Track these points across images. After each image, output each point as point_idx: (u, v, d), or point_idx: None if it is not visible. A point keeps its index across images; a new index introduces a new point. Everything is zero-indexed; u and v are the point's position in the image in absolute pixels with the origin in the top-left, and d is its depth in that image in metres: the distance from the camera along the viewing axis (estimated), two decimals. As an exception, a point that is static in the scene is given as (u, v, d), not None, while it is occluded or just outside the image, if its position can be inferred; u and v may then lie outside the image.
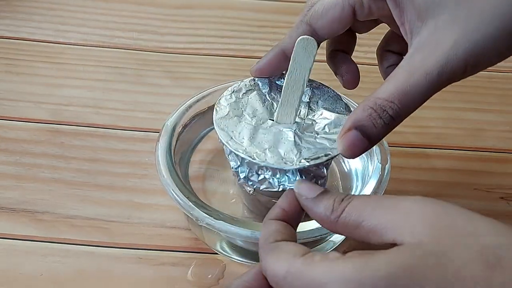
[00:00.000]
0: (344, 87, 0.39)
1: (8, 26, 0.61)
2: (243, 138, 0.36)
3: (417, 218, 0.27)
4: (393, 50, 0.40)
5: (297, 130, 0.36)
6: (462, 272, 0.25)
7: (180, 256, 0.42)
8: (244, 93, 0.39)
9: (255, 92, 0.39)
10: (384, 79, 0.38)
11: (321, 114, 0.37)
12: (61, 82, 0.55)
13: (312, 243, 0.41)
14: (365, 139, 0.32)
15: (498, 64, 0.61)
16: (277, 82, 0.39)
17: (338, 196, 0.30)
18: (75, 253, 0.42)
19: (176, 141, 0.44)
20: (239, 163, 0.36)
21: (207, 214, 0.37)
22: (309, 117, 0.37)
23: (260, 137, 0.36)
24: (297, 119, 0.37)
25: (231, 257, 0.42)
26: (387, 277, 0.25)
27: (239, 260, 0.41)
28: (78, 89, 0.55)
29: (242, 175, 0.37)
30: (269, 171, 0.35)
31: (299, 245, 0.29)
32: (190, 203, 0.38)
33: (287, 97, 0.36)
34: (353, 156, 0.32)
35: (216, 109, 0.38)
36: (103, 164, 0.48)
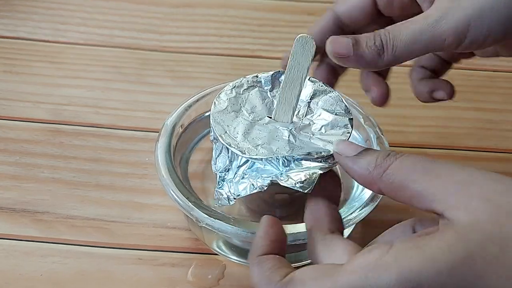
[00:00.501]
0: (373, 103, 0.39)
1: (7, 26, 0.61)
2: (237, 133, 0.36)
3: (474, 191, 0.25)
4: (425, 66, 0.40)
5: (293, 129, 0.36)
6: None
7: (180, 256, 0.42)
8: (245, 89, 0.38)
9: (256, 89, 0.38)
10: (414, 93, 0.40)
11: (319, 115, 0.37)
12: (60, 81, 0.55)
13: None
14: (352, 49, 0.33)
15: (500, 63, 0.61)
16: (280, 79, 0.39)
17: (382, 152, 0.29)
18: (75, 253, 0.42)
19: (176, 141, 0.44)
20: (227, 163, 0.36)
21: (207, 214, 0.37)
22: (308, 117, 0.37)
23: (255, 133, 0.36)
24: (295, 118, 0.37)
25: (230, 258, 0.41)
26: (448, 269, 0.23)
27: (239, 261, 0.41)
28: (78, 88, 0.55)
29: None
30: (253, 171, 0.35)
31: (281, 263, 0.28)
32: (190, 203, 0.38)
33: (285, 95, 0.36)
34: (332, 53, 0.34)
35: (214, 103, 0.38)
36: (103, 164, 0.48)
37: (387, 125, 0.46)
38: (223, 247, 0.42)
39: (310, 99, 0.38)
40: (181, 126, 0.44)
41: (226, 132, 0.36)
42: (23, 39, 0.60)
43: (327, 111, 0.37)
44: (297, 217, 0.41)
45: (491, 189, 0.25)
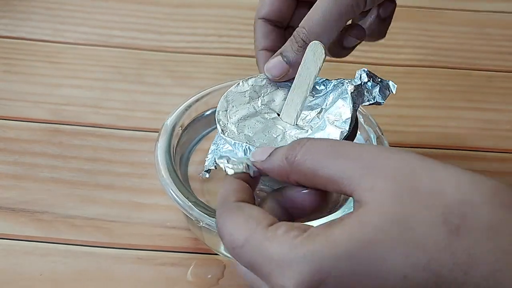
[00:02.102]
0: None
1: (6, 26, 0.61)
2: (235, 116, 0.36)
3: (380, 172, 0.26)
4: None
5: (289, 131, 0.36)
6: (424, 240, 0.24)
7: (180, 256, 0.42)
8: (277, 83, 0.38)
9: (286, 88, 0.38)
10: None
11: (321, 124, 0.36)
12: (60, 81, 0.55)
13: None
14: (284, 62, 0.37)
15: (500, 63, 0.61)
16: (316, 86, 0.38)
17: (289, 145, 0.29)
18: (75, 253, 0.42)
19: (176, 141, 0.43)
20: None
21: (207, 214, 0.37)
22: (311, 124, 0.37)
23: (251, 122, 0.36)
24: (300, 122, 0.37)
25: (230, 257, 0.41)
26: (347, 255, 0.24)
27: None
28: (78, 88, 0.55)
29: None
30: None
31: (264, 212, 0.27)
32: (190, 203, 0.38)
33: (292, 97, 0.37)
34: (274, 76, 0.37)
35: (239, 83, 0.38)
36: (102, 164, 0.48)
37: (387, 125, 0.46)
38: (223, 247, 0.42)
39: (324, 108, 0.37)
40: (181, 126, 0.44)
41: (226, 110, 0.37)
42: (23, 39, 0.60)
43: (333, 125, 0.36)
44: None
45: (397, 169, 0.26)
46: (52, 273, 0.40)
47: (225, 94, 0.38)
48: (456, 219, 0.24)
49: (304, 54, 0.36)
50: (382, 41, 0.62)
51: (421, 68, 0.59)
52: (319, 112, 0.37)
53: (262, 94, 0.38)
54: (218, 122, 0.36)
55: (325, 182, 0.27)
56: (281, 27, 0.40)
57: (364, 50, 0.60)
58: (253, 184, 0.31)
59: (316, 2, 0.36)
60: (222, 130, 0.36)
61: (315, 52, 0.35)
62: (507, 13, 0.66)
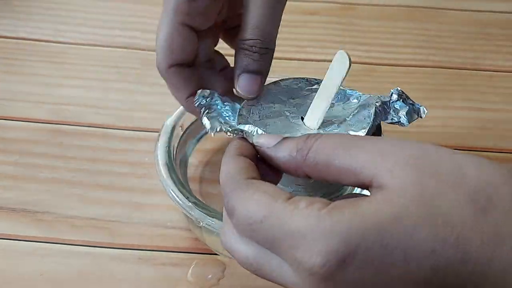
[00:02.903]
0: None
1: (7, 26, 0.61)
2: (258, 113, 0.36)
3: (397, 158, 0.26)
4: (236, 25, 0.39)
5: (307, 134, 0.36)
6: (452, 218, 0.24)
7: (180, 256, 0.42)
8: (313, 89, 0.38)
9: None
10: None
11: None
12: (60, 81, 0.55)
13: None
14: (254, 75, 0.35)
15: (500, 63, 0.61)
16: (350, 98, 0.38)
17: (302, 137, 0.29)
18: (75, 253, 0.42)
19: (177, 141, 0.44)
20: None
21: (207, 214, 0.37)
22: (329, 130, 0.36)
23: (271, 120, 0.36)
24: (321, 128, 0.37)
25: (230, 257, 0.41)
26: (376, 227, 0.24)
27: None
28: (78, 88, 0.55)
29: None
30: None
31: (278, 188, 0.27)
32: (190, 203, 0.38)
33: (316, 103, 0.36)
34: (255, 93, 0.36)
35: (279, 81, 0.38)
36: (103, 164, 0.48)
37: (387, 125, 0.46)
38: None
39: (347, 119, 0.36)
40: (181, 126, 0.44)
41: (252, 105, 0.36)
42: (23, 39, 0.60)
43: (346, 131, 0.35)
44: None
45: (415, 155, 0.26)
46: (52, 273, 0.40)
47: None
48: (482, 199, 0.24)
49: (331, 63, 0.35)
50: (382, 41, 0.62)
51: (421, 68, 0.59)
52: (342, 122, 0.37)
53: (295, 96, 0.38)
54: (239, 115, 0.36)
55: (340, 174, 0.27)
56: (192, 66, 0.38)
57: (364, 50, 0.61)
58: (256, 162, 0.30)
59: (249, 5, 0.35)
60: (239, 122, 0.35)
61: (341, 61, 0.35)
62: (507, 13, 0.66)
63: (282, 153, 0.29)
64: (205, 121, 0.36)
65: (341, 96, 0.38)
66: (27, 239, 0.42)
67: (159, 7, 0.65)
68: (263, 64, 0.36)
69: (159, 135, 0.43)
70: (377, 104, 0.35)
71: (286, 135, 0.35)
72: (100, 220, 0.44)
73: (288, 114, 0.38)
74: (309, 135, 0.29)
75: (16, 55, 0.58)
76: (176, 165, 0.42)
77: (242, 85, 0.36)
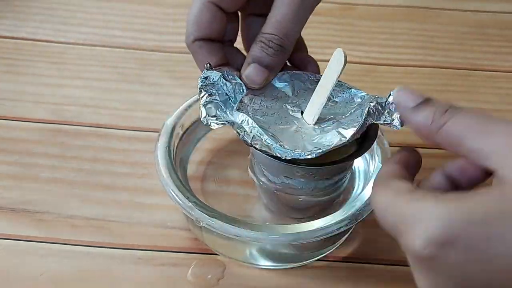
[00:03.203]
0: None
1: (8, 26, 0.61)
2: (259, 102, 0.37)
3: None
4: (256, 12, 0.41)
5: (302, 128, 0.36)
6: None
7: (180, 256, 0.42)
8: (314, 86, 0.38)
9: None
10: (246, 50, 0.41)
11: (327, 131, 0.37)
12: (61, 82, 0.55)
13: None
14: (263, 68, 0.37)
15: (500, 63, 0.61)
16: (354, 98, 0.39)
17: (440, 107, 0.30)
18: (75, 253, 0.42)
19: (177, 141, 0.44)
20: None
21: (207, 215, 0.37)
22: (323, 126, 0.37)
23: (270, 110, 0.37)
24: (317, 123, 0.37)
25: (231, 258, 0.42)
26: (482, 221, 0.25)
27: (239, 261, 0.41)
28: (78, 88, 0.55)
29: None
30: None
31: (408, 184, 0.29)
32: (190, 203, 0.38)
33: (314, 99, 0.37)
34: (259, 85, 0.37)
35: (288, 72, 0.39)
36: (103, 164, 0.48)
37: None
38: (223, 247, 0.42)
39: (339, 121, 0.37)
40: (181, 126, 0.44)
41: (255, 95, 0.38)
42: (24, 39, 0.60)
43: (336, 128, 0.36)
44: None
45: None
46: (52, 273, 0.40)
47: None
48: None
49: (329, 61, 0.36)
50: (382, 41, 0.62)
51: (420, 68, 0.59)
52: (337, 120, 0.37)
53: (297, 92, 0.38)
54: (240, 101, 0.37)
55: (470, 153, 0.28)
56: (220, 42, 0.40)
57: (364, 50, 0.61)
58: (414, 171, 0.33)
59: (277, 2, 0.37)
60: (238, 108, 0.37)
61: (338, 59, 0.35)
62: (507, 13, 0.66)
63: (418, 118, 0.31)
64: (201, 108, 0.37)
65: (347, 95, 0.38)
66: (27, 239, 0.42)
67: (159, 7, 0.66)
68: (275, 60, 0.37)
69: (159, 135, 0.43)
70: (371, 104, 0.35)
71: (281, 127, 0.36)
72: (100, 220, 0.44)
73: (290, 107, 0.38)
74: (447, 107, 0.30)
75: (16, 55, 0.58)
76: (176, 165, 0.42)
77: (249, 73, 0.37)
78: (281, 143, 0.35)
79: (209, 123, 0.37)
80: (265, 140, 0.36)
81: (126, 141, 0.50)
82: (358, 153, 0.37)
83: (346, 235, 0.43)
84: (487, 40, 0.63)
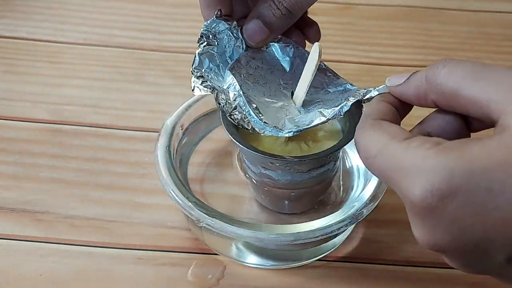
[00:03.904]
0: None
1: (7, 26, 0.61)
2: (253, 69, 0.37)
3: None
4: None
5: (287, 106, 0.37)
6: None
7: (180, 256, 0.42)
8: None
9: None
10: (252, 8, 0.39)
11: (310, 111, 0.37)
12: (60, 81, 0.55)
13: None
14: (265, 27, 0.37)
15: (499, 63, 0.61)
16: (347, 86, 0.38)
17: (432, 66, 0.29)
18: (75, 253, 0.42)
19: (177, 141, 0.44)
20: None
21: (207, 215, 0.37)
22: (308, 109, 0.37)
23: (261, 81, 0.37)
24: (302, 108, 0.37)
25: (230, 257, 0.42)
26: (483, 171, 0.24)
27: (239, 261, 0.41)
28: (78, 88, 0.55)
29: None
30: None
31: (402, 129, 0.28)
32: (190, 203, 0.38)
33: (300, 84, 0.37)
34: (256, 42, 0.37)
35: (295, 46, 0.39)
36: (103, 163, 0.48)
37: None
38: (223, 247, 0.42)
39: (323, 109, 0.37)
40: (181, 126, 0.44)
41: (253, 58, 0.38)
42: (23, 39, 0.60)
43: (319, 109, 0.37)
44: (307, 214, 0.42)
45: None
46: (52, 273, 0.40)
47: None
48: None
49: (310, 52, 0.36)
50: (382, 40, 0.62)
51: (421, 68, 0.58)
52: (323, 103, 0.37)
53: (294, 70, 0.38)
54: (237, 60, 0.37)
55: (468, 104, 0.27)
56: None
57: (364, 50, 0.61)
58: (402, 110, 0.32)
59: None
60: (232, 67, 0.36)
61: (315, 52, 0.36)
62: (507, 13, 0.66)
63: (411, 85, 0.30)
64: (195, 61, 0.37)
65: (341, 88, 0.38)
66: (27, 239, 0.42)
67: (159, 7, 0.66)
68: (279, 23, 0.37)
69: (159, 135, 0.43)
70: (358, 91, 0.35)
71: (267, 99, 0.35)
72: (100, 220, 0.44)
73: (282, 83, 0.38)
74: (436, 63, 0.29)
75: (17, 55, 0.58)
76: (176, 165, 0.42)
77: (249, 28, 0.37)
78: (261, 117, 0.35)
79: (193, 88, 0.37)
80: (246, 112, 0.35)
81: (126, 141, 0.50)
82: (332, 148, 0.37)
83: (346, 236, 0.43)
84: (488, 39, 0.63)
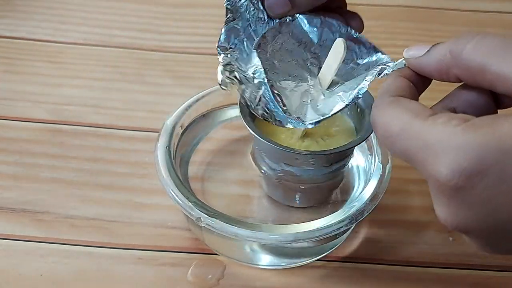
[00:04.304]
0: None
1: (8, 26, 0.61)
2: (279, 44, 0.36)
3: None
4: None
5: (312, 89, 0.36)
6: None
7: (180, 256, 0.42)
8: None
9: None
10: None
11: (330, 95, 0.36)
12: (61, 81, 0.55)
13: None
14: (287, 1, 0.36)
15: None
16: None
17: (453, 39, 0.28)
18: (75, 253, 0.42)
19: (177, 141, 0.44)
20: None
21: (207, 215, 0.37)
22: (333, 90, 0.36)
23: (287, 57, 0.36)
24: (327, 91, 0.36)
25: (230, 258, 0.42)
26: None
27: (239, 261, 0.41)
28: (78, 88, 0.55)
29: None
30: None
31: (425, 107, 0.27)
32: (190, 203, 0.38)
33: (324, 69, 0.36)
34: (276, 14, 0.36)
35: (323, 17, 0.38)
36: (103, 164, 0.48)
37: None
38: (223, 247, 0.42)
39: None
40: (181, 126, 0.44)
41: (279, 33, 0.36)
42: (23, 39, 0.60)
43: (338, 93, 0.36)
44: (317, 210, 0.43)
45: None
46: (52, 273, 0.40)
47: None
48: None
49: (333, 46, 0.36)
50: (382, 41, 0.62)
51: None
52: (345, 83, 0.36)
53: (323, 41, 0.37)
54: (263, 36, 0.36)
55: (496, 80, 0.26)
56: None
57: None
58: (420, 85, 0.30)
59: None
60: (258, 45, 0.35)
61: (339, 45, 0.35)
62: (507, 13, 0.66)
63: (432, 57, 0.29)
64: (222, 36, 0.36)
65: (372, 59, 0.37)
66: (27, 239, 0.42)
67: (159, 7, 0.66)
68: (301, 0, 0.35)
69: (159, 135, 0.43)
70: (378, 67, 0.34)
71: (291, 82, 0.35)
72: (100, 220, 0.44)
73: (310, 57, 0.37)
74: (460, 36, 0.28)
75: (17, 55, 0.58)
76: (176, 165, 0.42)
77: (271, 2, 0.36)
78: (285, 109, 0.35)
79: (221, 81, 0.36)
80: (270, 105, 0.34)
81: (126, 141, 0.50)
82: (357, 141, 0.37)
83: (346, 236, 0.43)
84: (488, 39, 0.62)
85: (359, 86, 0.34)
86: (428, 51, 0.29)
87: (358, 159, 0.45)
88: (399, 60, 0.32)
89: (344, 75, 0.37)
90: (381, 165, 0.41)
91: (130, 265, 0.41)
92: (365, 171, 0.44)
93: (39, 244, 0.42)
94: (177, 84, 0.56)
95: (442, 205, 0.26)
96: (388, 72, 0.33)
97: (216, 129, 0.48)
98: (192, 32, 0.62)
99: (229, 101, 0.47)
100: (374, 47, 0.37)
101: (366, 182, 0.42)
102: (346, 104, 0.34)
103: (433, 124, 0.25)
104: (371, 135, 0.39)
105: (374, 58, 0.37)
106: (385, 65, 0.34)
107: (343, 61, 0.36)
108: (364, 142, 0.42)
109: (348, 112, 0.40)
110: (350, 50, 0.37)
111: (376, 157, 0.42)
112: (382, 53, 0.37)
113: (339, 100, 0.35)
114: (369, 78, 0.34)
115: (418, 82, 0.30)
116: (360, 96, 0.34)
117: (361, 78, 0.35)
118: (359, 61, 0.37)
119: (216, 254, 0.42)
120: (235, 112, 0.48)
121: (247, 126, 0.37)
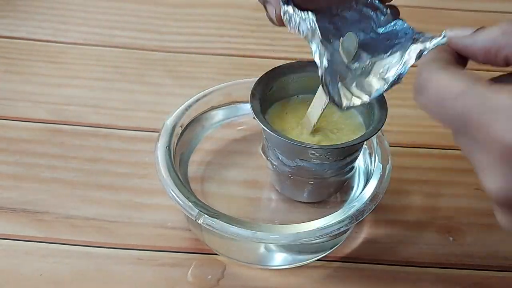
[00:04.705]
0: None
1: (8, 26, 0.61)
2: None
3: None
4: None
5: (346, 65, 0.35)
6: None
7: (180, 256, 0.42)
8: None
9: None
10: None
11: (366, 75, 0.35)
12: (61, 81, 0.55)
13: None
14: None
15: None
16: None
17: (508, 21, 0.27)
18: (75, 253, 0.42)
19: (176, 141, 0.44)
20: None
21: (207, 215, 0.37)
22: (370, 68, 0.35)
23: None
24: (356, 66, 0.35)
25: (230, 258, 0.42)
26: None
27: (239, 261, 0.41)
28: (79, 88, 0.55)
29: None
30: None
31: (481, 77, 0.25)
32: (190, 203, 0.38)
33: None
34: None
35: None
36: (103, 164, 0.48)
37: (387, 125, 0.46)
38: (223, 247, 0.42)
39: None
40: (181, 126, 0.44)
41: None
42: (24, 39, 0.60)
43: (374, 73, 0.35)
44: (317, 210, 0.43)
45: None
46: (52, 273, 0.40)
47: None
48: None
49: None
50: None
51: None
52: (376, 62, 0.35)
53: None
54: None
55: None
56: None
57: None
58: (465, 63, 0.29)
59: None
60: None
61: (349, 38, 0.35)
62: (507, 13, 0.66)
63: (481, 37, 0.28)
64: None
65: (390, 28, 0.36)
66: (27, 239, 0.42)
67: (160, 7, 0.66)
68: None
69: (159, 135, 0.43)
70: (412, 46, 0.33)
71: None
72: (100, 220, 0.44)
73: (332, 27, 0.36)
74: None
75: (17, 55, 0.58)
76: (176, 165, 0.42)
77: None
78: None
79: (289, 18, 0.34)
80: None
81: (126, 141, 0.50)
82: (371, 133, 0.38)
83: (346, 236, 0.43)
84: (488, 39, 0.63)
85: (402, 62, 0.33)
86: (475, 31, 0.28)
87: (358, 159, 0.45)
88: (438, 39, 0.30)
89: (366, 45, 0.36)
90: (381, 165, 0.41)
91: (130, 265, 0.41)
92: (365, 171, 0.44)
93: (39, 244, 0.42)
94: (177, 84, 0.56)
95: (499, 174, 0.24)
96: (428, 48, 0.31)
97: (216, 129, 0.48)
98: (192, 32, 0.62)
99: (229, 101, 0.47)
100: (391, 13, 0.36)
101: (366, 182, 0.42)
102: (391, 83, 0.33)
103: (501, 88, 0.24)
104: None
105: (394, 27, 0.36)
106: (418, 41, 0.32)
107: (363, 31, 0.35)
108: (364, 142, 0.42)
109: None
110: (368, 17, 0.36)
111: (376, 157, 0.42)
112: (403, 21, 0.35)
113: (379, 81, 0.33)
114: (413, 54, 0.32)
115: (463, 57, 0.29)
116: (406, 71, 0.33)
117: (394, 57, 0.33)
118: (379, 30, 0.36)
119: (216, 254, 0.42)
120: (235, 112, 0.48)
121: (261, 124, 0.37)
